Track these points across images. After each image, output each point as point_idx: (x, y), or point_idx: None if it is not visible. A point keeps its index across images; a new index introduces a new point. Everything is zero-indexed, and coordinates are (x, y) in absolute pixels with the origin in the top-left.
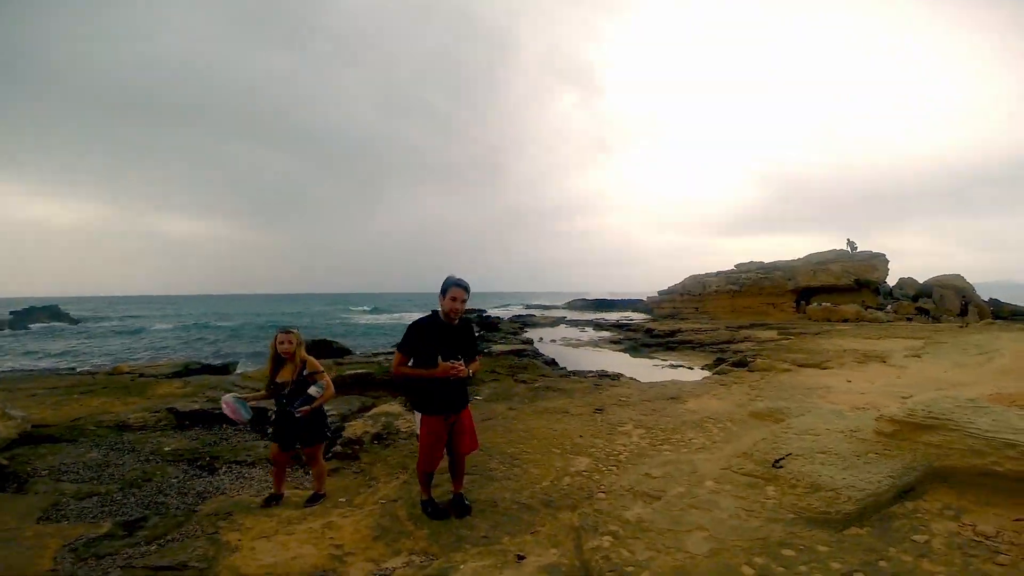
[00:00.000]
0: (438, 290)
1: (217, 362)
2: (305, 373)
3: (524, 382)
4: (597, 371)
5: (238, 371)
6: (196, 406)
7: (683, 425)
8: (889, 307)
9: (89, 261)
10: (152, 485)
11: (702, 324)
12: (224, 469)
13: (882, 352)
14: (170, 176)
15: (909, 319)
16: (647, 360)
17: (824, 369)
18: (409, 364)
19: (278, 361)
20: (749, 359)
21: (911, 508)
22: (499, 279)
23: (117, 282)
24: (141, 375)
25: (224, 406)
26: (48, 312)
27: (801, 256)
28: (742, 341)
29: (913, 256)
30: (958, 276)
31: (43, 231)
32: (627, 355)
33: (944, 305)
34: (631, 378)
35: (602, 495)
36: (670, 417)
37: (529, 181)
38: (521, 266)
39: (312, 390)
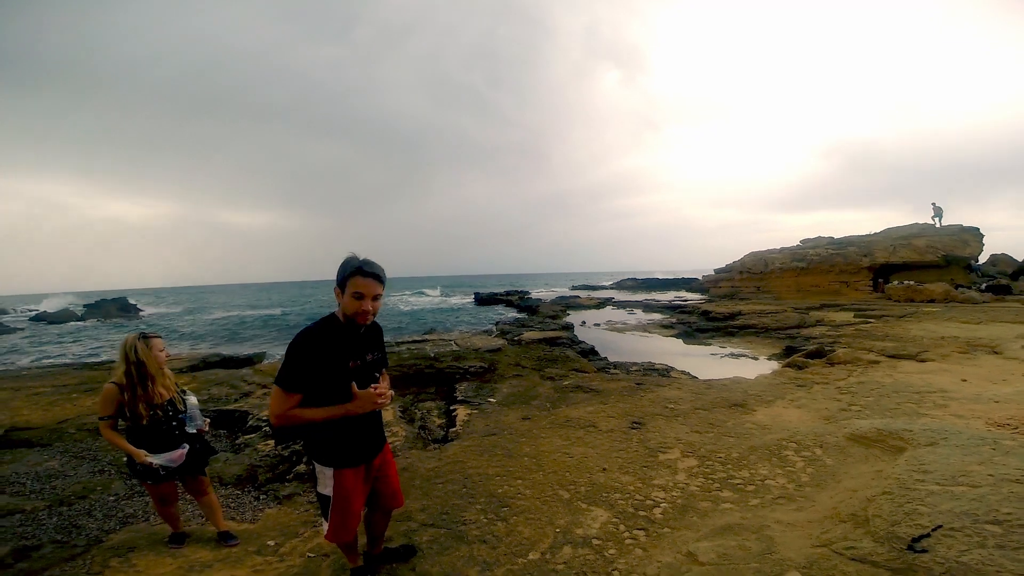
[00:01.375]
0: (484, 272)
1: (245, 352)
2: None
3: (552, 379)
4: (643, 363)
5: (265, 362)
6: None
7: (751, 453)
8: (984, 286)
9: (160, 255)
10: (85, 503)
11: (766, 305)
12: None
13: (990, 340)
14: (231, 170)
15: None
16: (703, 348)
17: (922, 362)
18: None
19: (147, 376)
20: (827, 348)
21: None
22: (544, 261)
23: (186, 273)
24: None
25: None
26: (118, 304)
27: (877, 231)
28: (814, 325)
29: (1000, 232)
30: None
31: (117, 228)
32: (680, 342)
33: None
34: (683, 372)
35: None
36: (734, 438)
37: (574, 161)
38: (567, 248)
39: (193, 400)
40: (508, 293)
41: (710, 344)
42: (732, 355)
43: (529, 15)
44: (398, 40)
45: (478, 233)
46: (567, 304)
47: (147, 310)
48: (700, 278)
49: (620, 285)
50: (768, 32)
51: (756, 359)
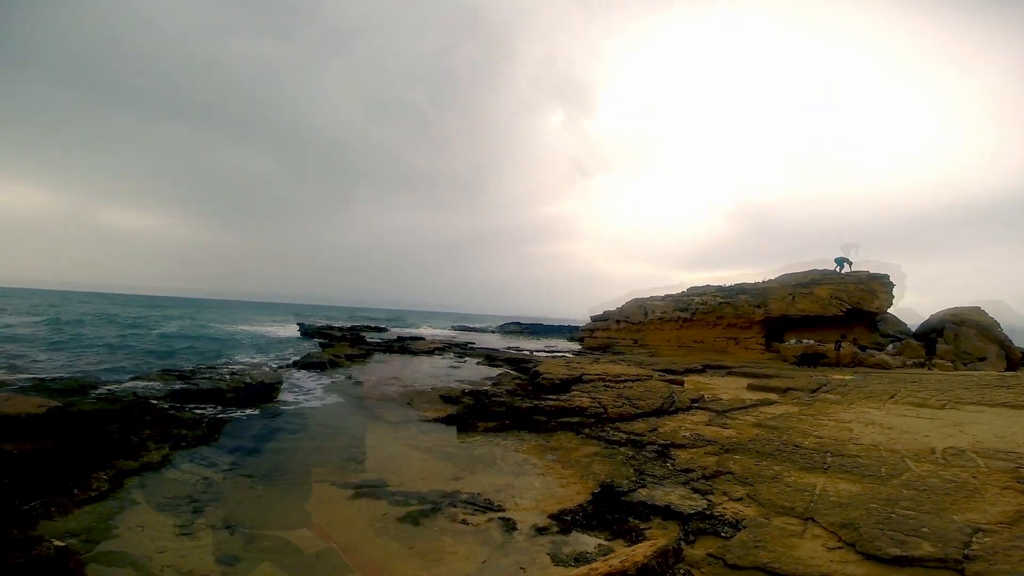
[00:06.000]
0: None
1: None
2: None
3: None
4: None
5: None
6: None
7: None
8: (890, 347)
9: (21, 251)
10: None
11: (627, 367)
12: None
13: None
14: (125, 168)
15: (922, 364)
16: (458, 462)
17: None
18: None
19: None
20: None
21: None
22: (458, 298)
23: (52, 275)
24: None
25: None
26: None
27: (774, 276)
28: (687, 409)
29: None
30: (977, 309)
31: None
32: (449, 436)
33: (962, 347)
34: None
35: None
36: None
37: (506, 200)
38: (491, 288)
39: None
40: (353, 329)
41: (495, 443)
42: (469, 505)
43: (492, 35)
44: (343, 43)
45: (396, 263)
46: (404, 346)
47: None
48: (582, 326)
49: (503, 329)
50: (704, 87)
51: (512, 528)
